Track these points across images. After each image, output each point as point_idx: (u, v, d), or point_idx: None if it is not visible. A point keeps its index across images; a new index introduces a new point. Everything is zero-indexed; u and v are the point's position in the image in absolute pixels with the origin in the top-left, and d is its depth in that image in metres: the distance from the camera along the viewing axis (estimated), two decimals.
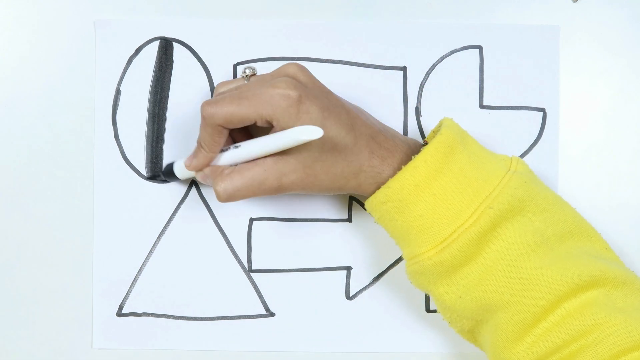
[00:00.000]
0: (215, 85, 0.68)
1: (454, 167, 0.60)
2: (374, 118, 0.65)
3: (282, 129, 0.59)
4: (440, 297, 0.61)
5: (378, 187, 0.61)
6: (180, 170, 0.66)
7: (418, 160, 0.59)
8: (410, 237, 0.60)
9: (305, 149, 0.59)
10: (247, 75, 0.65)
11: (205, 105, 0.60)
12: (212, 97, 0.68)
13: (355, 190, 0.62)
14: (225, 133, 0.61)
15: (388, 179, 0.60)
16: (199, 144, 0.62)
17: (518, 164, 0.63)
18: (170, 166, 0.68)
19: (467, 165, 0.60)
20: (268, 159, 0.60)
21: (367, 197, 0.62)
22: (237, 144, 0.61)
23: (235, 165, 0.61)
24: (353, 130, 0.60)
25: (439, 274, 0.60)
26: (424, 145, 0.63)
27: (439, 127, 0.64)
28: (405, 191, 0.59)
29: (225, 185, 0.60)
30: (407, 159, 0.61)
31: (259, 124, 0.60)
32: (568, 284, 0.57)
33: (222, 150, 0.62)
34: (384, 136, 0.62)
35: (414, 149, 0.63)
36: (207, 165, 0.62)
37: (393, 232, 0.62)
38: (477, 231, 0.58)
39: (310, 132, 0.57)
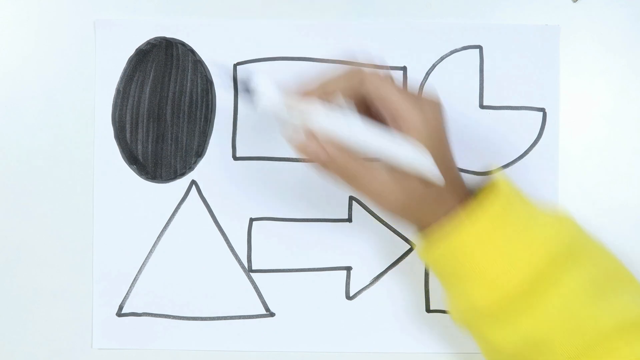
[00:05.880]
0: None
1: (512, 218, 0.58)
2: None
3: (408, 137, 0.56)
4: (493, 342, 0.59)
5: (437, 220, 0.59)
6: (266, 89, 0.55)
7: (479, 211, 0.58)
8: (466, 285, 0.59)
9: (417, 179, 0.57)
10: None
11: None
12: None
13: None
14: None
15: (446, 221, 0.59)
16: (314, 80, 0.57)
17: (563, 212, 0.61)
18: (248, 80, 0.55)
19: (523, 217, 0.59)
20: (386, 175, 0.57)
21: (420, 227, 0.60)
22: (350, 125, 0.56)
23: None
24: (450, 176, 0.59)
25: (495, 319, 0.58)
26: (476, 193, 0.61)
27: (489, 175, 0.62)
28: (467, 243, 0.58)
29: (330, 163, 0.56)
30: (458, 202, 0.60)
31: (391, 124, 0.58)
32: (616, 326, 0.57)
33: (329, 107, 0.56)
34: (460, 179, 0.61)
35: (466, 193, 0.61)
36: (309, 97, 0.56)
37: (448, 280, 0.61)
38: (535, 279, 0.57)
39: (433, 176, 0.56)
